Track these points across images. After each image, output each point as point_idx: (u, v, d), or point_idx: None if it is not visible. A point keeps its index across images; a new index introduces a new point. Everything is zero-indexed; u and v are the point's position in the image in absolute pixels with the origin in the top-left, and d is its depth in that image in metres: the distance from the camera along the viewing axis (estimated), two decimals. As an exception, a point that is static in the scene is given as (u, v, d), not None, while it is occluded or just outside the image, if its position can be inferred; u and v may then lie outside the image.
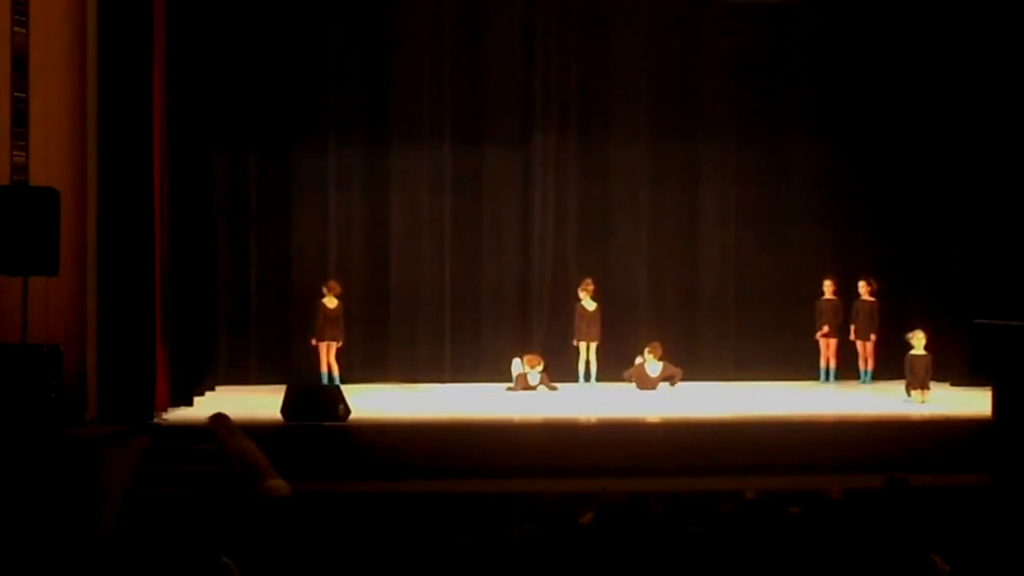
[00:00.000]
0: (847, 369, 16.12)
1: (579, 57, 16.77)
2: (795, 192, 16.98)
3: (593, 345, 15.92)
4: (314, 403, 13.07)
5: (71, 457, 10.86)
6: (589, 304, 15.92)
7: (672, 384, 15.54)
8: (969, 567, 6.84)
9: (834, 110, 16.86)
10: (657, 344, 15.64)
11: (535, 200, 16.74)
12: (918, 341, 14.65)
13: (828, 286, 16.08)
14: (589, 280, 15.98)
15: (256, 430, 12.72)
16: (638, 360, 15.75)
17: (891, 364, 15.27)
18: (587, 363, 15.92)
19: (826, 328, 15.97)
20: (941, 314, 16.09)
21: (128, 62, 12.74)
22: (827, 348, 16.10)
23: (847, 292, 16.05)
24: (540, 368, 15.51)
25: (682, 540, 7.35)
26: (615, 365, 15.94)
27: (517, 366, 15.71)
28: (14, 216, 11.02)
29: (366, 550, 8.03)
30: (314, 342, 15.49)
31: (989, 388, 10.80)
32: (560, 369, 15.91)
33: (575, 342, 15.93)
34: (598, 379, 15.89)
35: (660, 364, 15.59)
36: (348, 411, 13.00)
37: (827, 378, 16.08)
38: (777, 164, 16.98)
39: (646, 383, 15.54)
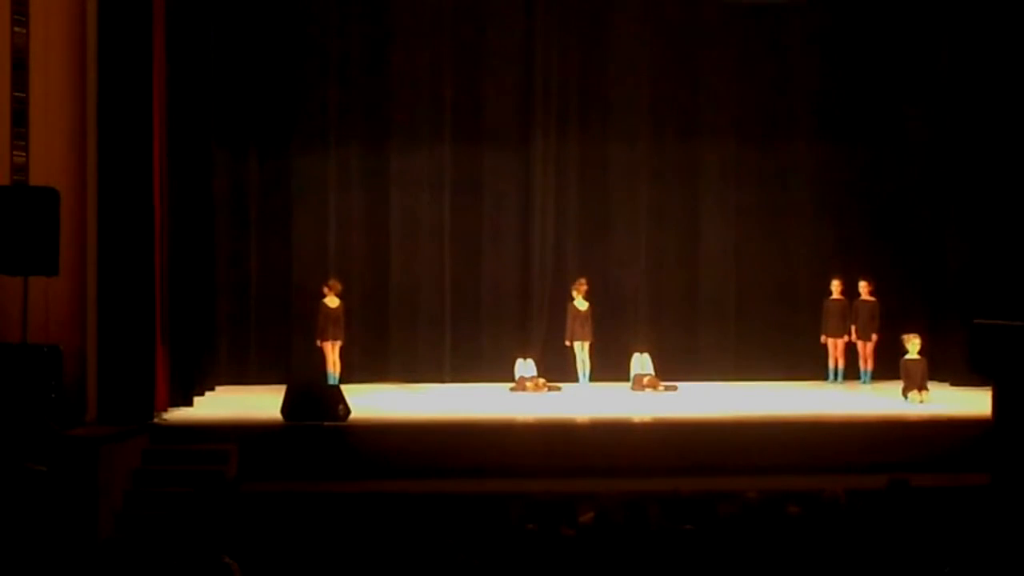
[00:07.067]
0: (847, 369, 16.10)
1: (579, 57, 16.77)
2: (795, 192, 16.97)
3: (587, 344, 15.92)
4: (314, 403, 13.07)
5: (70, 457, 10.85)
6: (582, 304, 15.91)
7: (656, 388, 15.46)
8: (970, 567, 6.83)
9: (834, 110, 16.85)
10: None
11: (535, 200, 16.73)
12: (912, 346, 14.66)
13: (836, 286, 16.03)
14: (583, 280, 15.98)
15: (256, 430, 12.81)
16: (635, 367, 15.76)
17: (891, 364, 15.23)
18: (583, 362, 15.93)
19: (832, 330, 15.97)
20: (941, 314, 16.10)
21: (128, 62, 12.74)
22: (835, 348, 16.07)
23: (849, 292, 16.05)
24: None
25: (681, 541, 7.36)
26: (615, 365, 15.94)
27: (520, 366, 15.72)
28: (14, 216, 11.00)
29: (365, 550, 8.03)
30: (319, 342, 15.51)
31: (989, 388, 10.78)
32: (560, 369, 15.92)
33: (568, 342, 15.92)
34: (591, 379, 15.88)
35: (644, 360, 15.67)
36: (348, 411, 13.01)
37: (835, 378, 16.05)
38: (777, 164, 16.96)
39: (638, 384, 15.56)
